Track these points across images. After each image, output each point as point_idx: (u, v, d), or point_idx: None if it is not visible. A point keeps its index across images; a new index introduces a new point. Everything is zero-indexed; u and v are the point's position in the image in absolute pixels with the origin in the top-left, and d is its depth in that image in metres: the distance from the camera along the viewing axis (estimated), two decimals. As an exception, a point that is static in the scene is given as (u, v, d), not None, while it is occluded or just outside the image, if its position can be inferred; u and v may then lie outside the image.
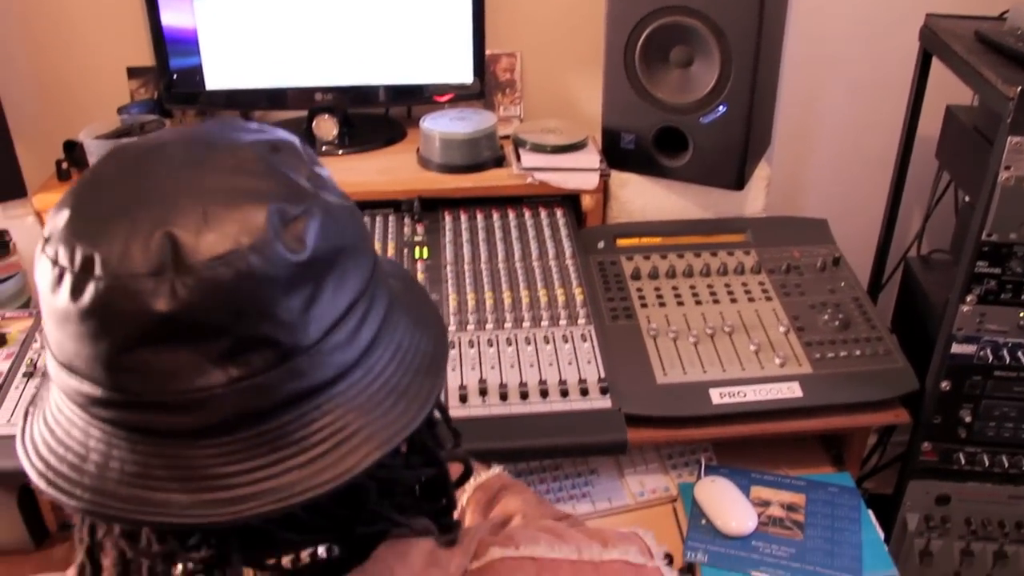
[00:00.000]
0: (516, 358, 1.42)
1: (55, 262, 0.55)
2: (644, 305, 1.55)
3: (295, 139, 0.64)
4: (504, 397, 1.36)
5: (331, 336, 0.58)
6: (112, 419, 0.56)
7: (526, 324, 1.48)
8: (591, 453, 1.43)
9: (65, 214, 0.56)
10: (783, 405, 1.40)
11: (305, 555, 0.67)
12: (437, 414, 0.69)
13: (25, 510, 1.34)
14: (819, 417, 1.41)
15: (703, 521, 1.38)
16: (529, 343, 1.44)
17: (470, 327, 1.47)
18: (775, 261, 1.64)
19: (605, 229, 1.71)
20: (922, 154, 1.82)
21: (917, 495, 1.61)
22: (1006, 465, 1.56)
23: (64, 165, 1.67)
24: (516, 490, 1.04)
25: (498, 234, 1.65)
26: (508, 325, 1.48)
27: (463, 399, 1.36)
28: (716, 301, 1.57)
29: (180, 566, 0.60)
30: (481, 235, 1.65)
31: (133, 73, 1.85)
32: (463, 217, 1.68)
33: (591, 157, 1.68)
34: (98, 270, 0.53)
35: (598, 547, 0.73)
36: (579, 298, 1.52)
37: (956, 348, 1.48)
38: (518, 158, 1.68)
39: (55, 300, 0.54)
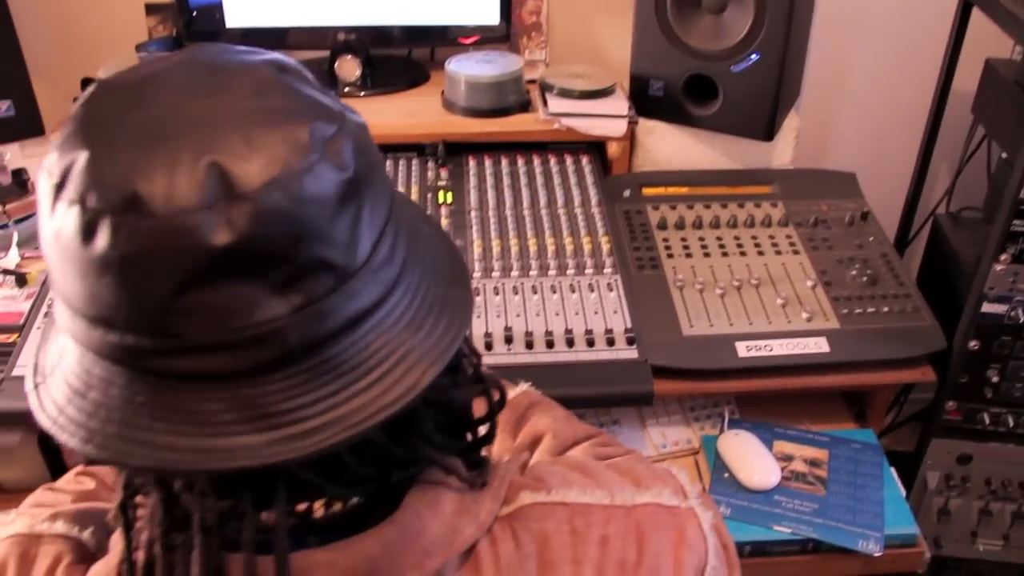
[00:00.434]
0: (542, 306, 1.40)
1: (84, 206, 0.51)
2: (670, 255, 1.53)
3: (288, 57, 0.61)
4: (530, 345, 1.34)
5: (375, 254, 0.57)
6: (162, 370, 0.53)
7: (552, 272, 1.46)
8: (617, 404, 1.42)
9: (82, 155, 0.52)
10: (809, 360, 1.38)
11: (336, 503, 0.65)
12: None
13: (45, 451, 1.34)
14: (845, 373, 1.40)
15: (726, 474, 1.38)
16: (555, 291, 1.43)
17: (495, 274, 1.45)
18: (803, 214, 1.62)
19: (631, 177, 1.68)
20: (955, 109, 1.78)
21: (939, 454, 1.60)
22: (1031, 426, 1.55)
23: (82, 102, 1.64)
24: (545, 407, 1.02)
25: (523, 180, 1.62)
26: (533, 273, 1.46)
27: (488, 346, 1.34)
28: (743, 253, 1.55)
29: (197, 516, 0.57)
30: (506, 181, 1.62)
31: (151, 10, 1.81)
32: (487, 162, 1.66)
33: (619, 104, 1.65)
34: (142, 209, 0.49)
35: (631, 489, 0.72)
36: (605, 247, 1.50)
37: (987, 307, 1.46)
38: (544, 103, 1.65)
39: (87, 250, 0.51)
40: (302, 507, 0.63)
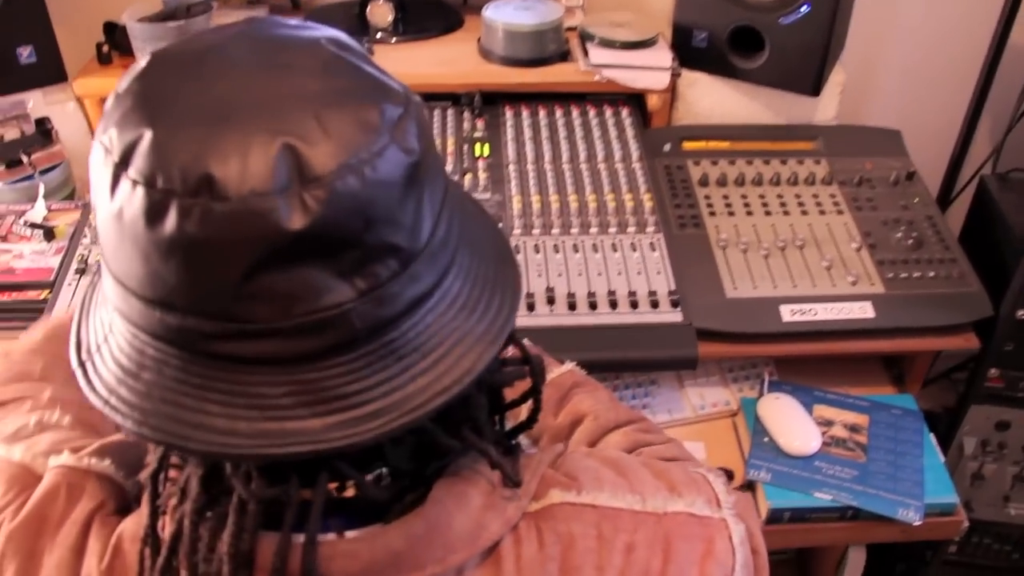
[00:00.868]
0: (584, 266, 1.37)
1: (152, 187, 0.49)
2: (712, 213, 1.50)
3: (342, 33, 0.60)
4: (572, 307, 1.32)
5: (434, 236, 0.56)
6: (221, 353, 0.53)
7: (593, 230, 1.42)
8: (660, 368, 1.40)
9: (147, 133, 0.50)
10: (854, 326, 1.36)
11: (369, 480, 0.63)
12: None
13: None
14: (889, 339, 1.38)
15: (765, 439, 1.36)
16: (596, 250, 1.39)
17: (535, 231, 1.42)
18: (847, 173, 1.58)
19: (671, 131, 1.64)
20: (1009, 63, 1.72)
21: (978, 420, 1.59)
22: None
23: (105, 48, 1.58)
24: (588, 388, 1.00)
25: (561, 132, 1.58)
26: (574, 231, 1.42)
27: (531, 307, 1.32)
28: (786, 213, 1.51)
29: (236, 496, 0.57)
30: (544, 133, 1.58)
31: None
32: (524, 113, 1.61)
33: (663, 55, 1.59)
34: (215, 191, 0.48)
35: (664, 494, 0.70)
36: (648, 204, 1.46)
37: (1037, 275, 1.44)
38: (585, 53, 1.60)
39: (153, 232, 0.49)
40: (333, 484, 0.62)
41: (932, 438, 1.39)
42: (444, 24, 1.73)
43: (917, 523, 1.27)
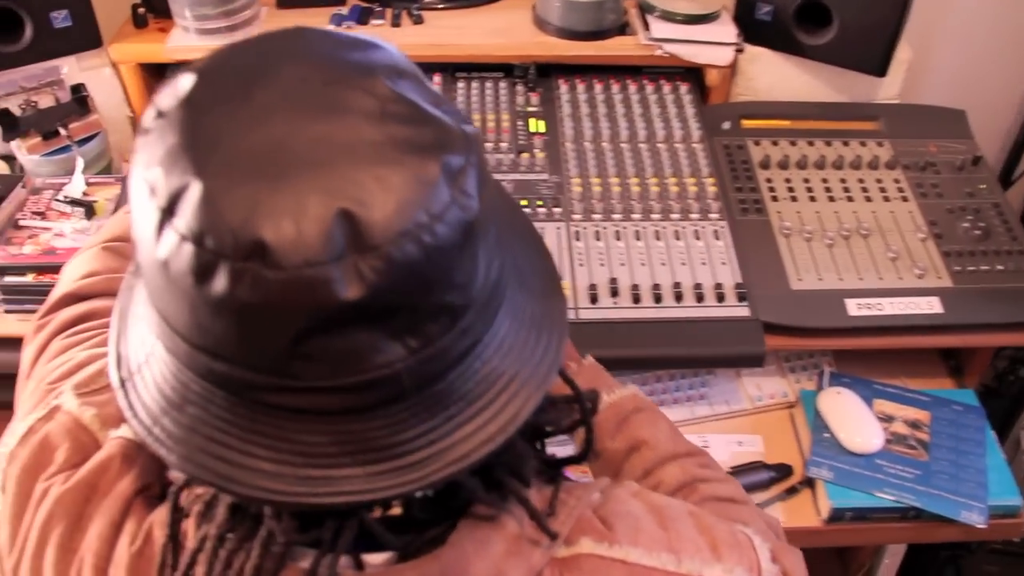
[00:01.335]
0: (647, 255, 1.33)
1: (201, 245, 0.47)
2: (775, 198, 1.45)
3: (400, 53, 0.57)
4: (637, 299, 1.28)
5: (486, 282, 0.55)
6: (269, 402, 0.52)
7: (655, 216, 1.38)
8: (726, 365, 1.37)
9: (195, 185, 0.47)
10: (921, 321, 1.32)
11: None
12: None
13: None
14: (955, 334, 1.35)
15: (826, 434, 1.34)
16: (659, 238, 1.35)
17: (596, 216, 1.37)
18: (911, 156, 1.53)
19: (730, 108, 1.58)
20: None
21: (1035, 413, 1.57)
22: None
23: (141, 10, 1.50)
24: (649, 417, 0.95)
25: (619, 109, 1.52)
26: (636, 216, 1.37)
27: (593, 299, 1.27)
28: (850, 199, 1.46)
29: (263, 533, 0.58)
30: (601, 109, 1.52)
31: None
32: (580, 86, 1.55)
33: (726, 30, 1.52)
34: (267, 258, 0.46)
35: (702, 556, 0.66)
36: (711, 190, 1.41)
37: (1109, 270, 1.40)
38: (645, 26, 1.53)
39: (202, 289, 0.47)
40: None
41: (994, 436, 1.37)
42: (494, -10, 1.65)
43: (981, 526, 1.26)
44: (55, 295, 0.87)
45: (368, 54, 0.55)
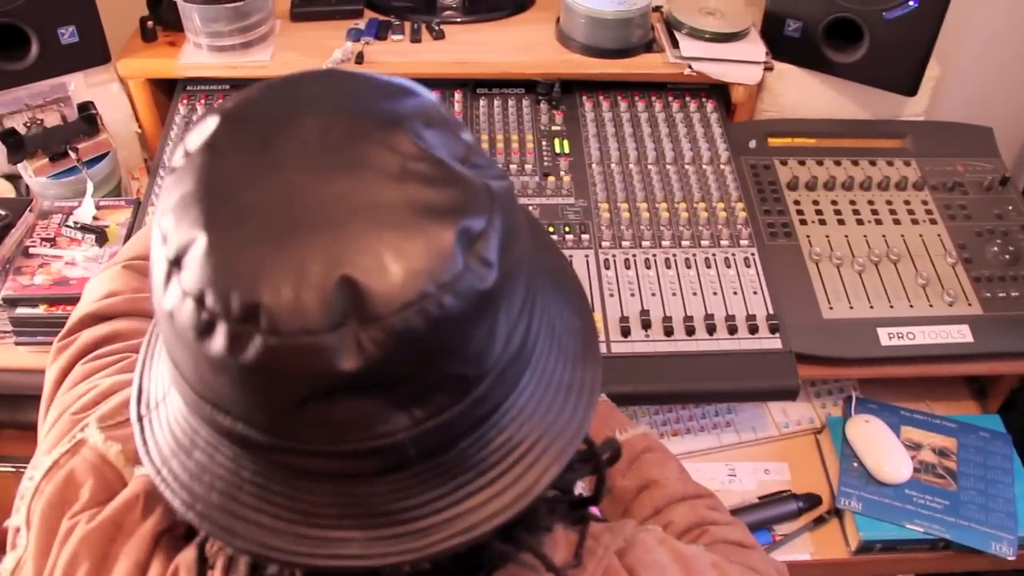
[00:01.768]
0: (678, 284, 1.30)
1: (201, 303, 0.46)
2: (803, 222, 1.43)
3: (430, 95, 0.55)
4: (669, 332, 1.25)
5: (507, 350, 0.52)
6: (271, 460, 0.52)
7: (685, 243, 1.35)
8: (760, 399, 1.35)
9: (202, 239, 0.46)
10: (951, 351, 1.31)
11: None
12: None
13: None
14: (984, 362, 1.34)
15: (855, 463, 1.33)
16: (689, 266, 1.32)
17: (625, 243, 1.34)
18: (938, 176, 1.51)
19: (756, 126, 1.55)
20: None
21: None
22: None
23: (149, 23, 1.44)
24: (660, 457, 0.95)
25: (645, 128, 1.48)
26: (666, 243, 1.34)
27: (625, 332, 1.25)
28: (879, 222, 1.44)
29: None
30: (627, 128, 1.48)
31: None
32: (604, 104, 1.51)
33: (755, 48, 1.49)
34: (264, 323, 0.45)
35: None
36: (741, 215, 1.38)
37: None
38: (672, 42, 1.48)
39: (203, 346, 0.47)
40: None
41: (1020, 464, 1.37)
42: (515, 2, 1.60)
43: (1011, 557, 1.26)
44: (76, 315, 0.86)
45: (398, 102, 0.52)
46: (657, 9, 1.54)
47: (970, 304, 1.35)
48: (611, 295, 1.28)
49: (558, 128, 1.47)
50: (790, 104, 1.56)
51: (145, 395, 0.59)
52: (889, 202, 1.47)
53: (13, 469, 1.45)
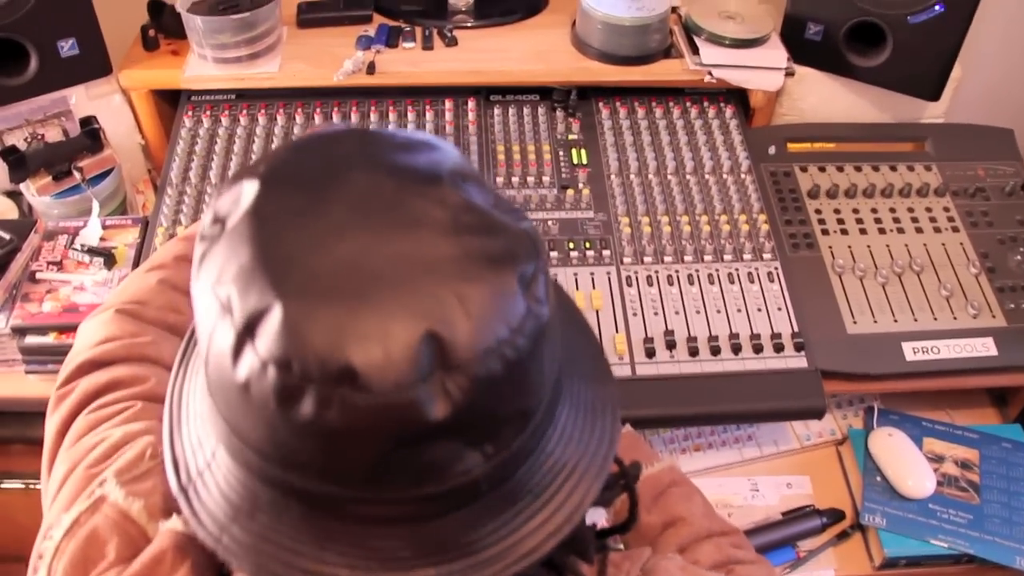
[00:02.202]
0: (701, 302, 1.28)
1: (287, 371, 0.46)
2: (825, 231, 1.40)
3: (454, 148, 0.57)
4: (694, 352, 1.23)
5: (551, 379, 0.56)
6: (345, 513, 0.52)
7: (707, 257, 1.32)
8: (786, 419, 1.34)
9: (276, 307, 0.47)
10: (976, 364, 1.30)
11: None
12: None
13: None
14: (1009, 374, 1.32)
15: (878, 478, 1.33)
16: (712, 282, 1.30)
17: (647, 259, 1.31)
18: (959, 181, 1.49)
19: (775, 131, 1.52)
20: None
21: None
22: None
23: (151, 32, 1.38)
24: (686, 492, 0.95)
25: (663, 136, 1.45)
26: (688, 258, 1.32)
27: (650, 353, 1.22)
28: (901, 230, 1.42)
29: None
30: (645, 137, 1.44)
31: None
32: (621, 111, 1.47)
33: (776, 54, 1.45)
34: (359, 383, 0.46)
35: None
36: (763, 227, 1.36)
37: None
38: (692, 49, 1.44)
39: (286, 412, 0.47)
40: None
41: (1043, 475, 1.36)
42: (528, 5, 1.55)
43: (1036, 573, 1.26)
44: (72, 362, 0.84)
45: (431, 157, 0.55)
46: (674, 10, 1.50)
47: (994, 316, 1.34)
48: (635, 314, 1.26)
49: (575, 137, 1.43)
50: (809, 107, 1.53)
51: (183, 464, 0.58)
52: (911, 209, 1.45)
53: (23, 485, 1.43)
